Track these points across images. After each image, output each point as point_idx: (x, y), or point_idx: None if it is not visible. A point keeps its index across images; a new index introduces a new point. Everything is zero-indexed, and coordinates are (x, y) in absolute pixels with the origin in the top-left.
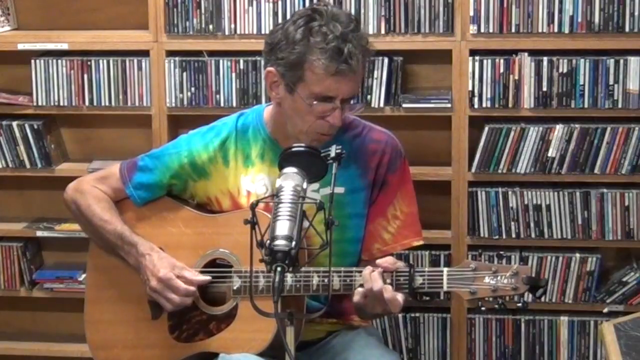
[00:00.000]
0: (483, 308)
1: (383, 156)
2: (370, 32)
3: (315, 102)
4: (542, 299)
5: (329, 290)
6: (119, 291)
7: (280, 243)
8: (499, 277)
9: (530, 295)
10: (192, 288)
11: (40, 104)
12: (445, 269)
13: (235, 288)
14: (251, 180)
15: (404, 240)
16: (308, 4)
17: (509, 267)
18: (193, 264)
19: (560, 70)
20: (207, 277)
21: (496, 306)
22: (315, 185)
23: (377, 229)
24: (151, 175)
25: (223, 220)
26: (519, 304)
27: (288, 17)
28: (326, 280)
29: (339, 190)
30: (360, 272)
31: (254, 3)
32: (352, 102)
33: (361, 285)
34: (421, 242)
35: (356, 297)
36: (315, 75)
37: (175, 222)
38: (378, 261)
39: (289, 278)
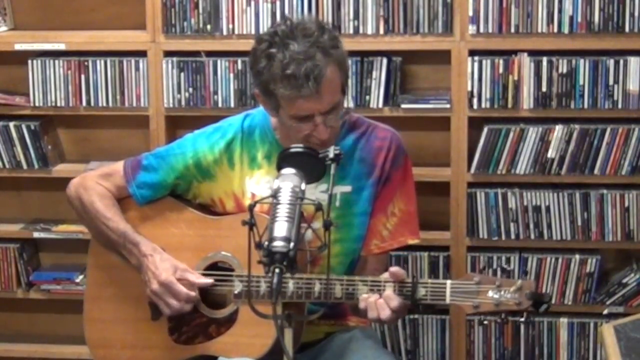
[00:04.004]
0: (485, 322)
1: (388, 152)
2: (369, 32)
3: (295, 124)
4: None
5: (325, 298)
6: (119, 290)
7: (278, 244)
8: (502, 292)
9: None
10: (193, 293)
11: (37, 104)
12: (449, 282)
13: (236, 292)
14: (256, 182)
15: (400, 238)
16: (304, 5)
17: (513, 282)
18: (194, 266)
19: (560, 71)
20: (210, 280)
21: (499, 320)
22: (324, 186)
23: (376, 225)
24: (155, 175)
25: (225, 223)
26: (522, 319)
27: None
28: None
29: (347, 189)
30: (364, 281)
31: (252, 3)
32: (345, 108)
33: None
34: (417, 241)
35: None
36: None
37: (177, 223)
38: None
39: (291, 284)
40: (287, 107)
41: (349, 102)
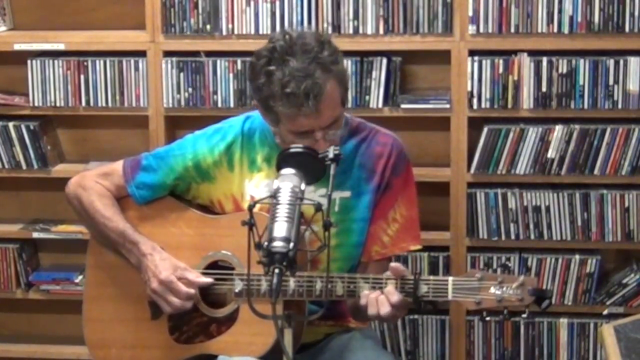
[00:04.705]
0: (488, 318)
1: (389, 159)
2: (369, 32)
3: (294, 139)
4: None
5: (326, 295)
6: (118, 290)
7: (277, 245)
8: (504, 288)
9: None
10: (193, 291)
11: (36, 104)
12: (451, 278)
13: (237, 291)
14: (255, 185)
15: (401, 244)
16: (304, 5)
17: (515, 278)
18: (194, 265)
19: (560, 71)
20: (210, 279)
21: (501, 316)
22: (323, 190)
23: (377, 232)
24: (154, 175)
25: (225, 222)
26: (524, 315)
27: (286, 17)
28: (330, 286)
29: (345, 194)
30: (365, 279)
31: (252, 3)
32: (347, 108)
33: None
34: (419, 247)
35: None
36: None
37: (177, 223)
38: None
39: (292, 282)
40: (287, 123)
41: (348, 103)
